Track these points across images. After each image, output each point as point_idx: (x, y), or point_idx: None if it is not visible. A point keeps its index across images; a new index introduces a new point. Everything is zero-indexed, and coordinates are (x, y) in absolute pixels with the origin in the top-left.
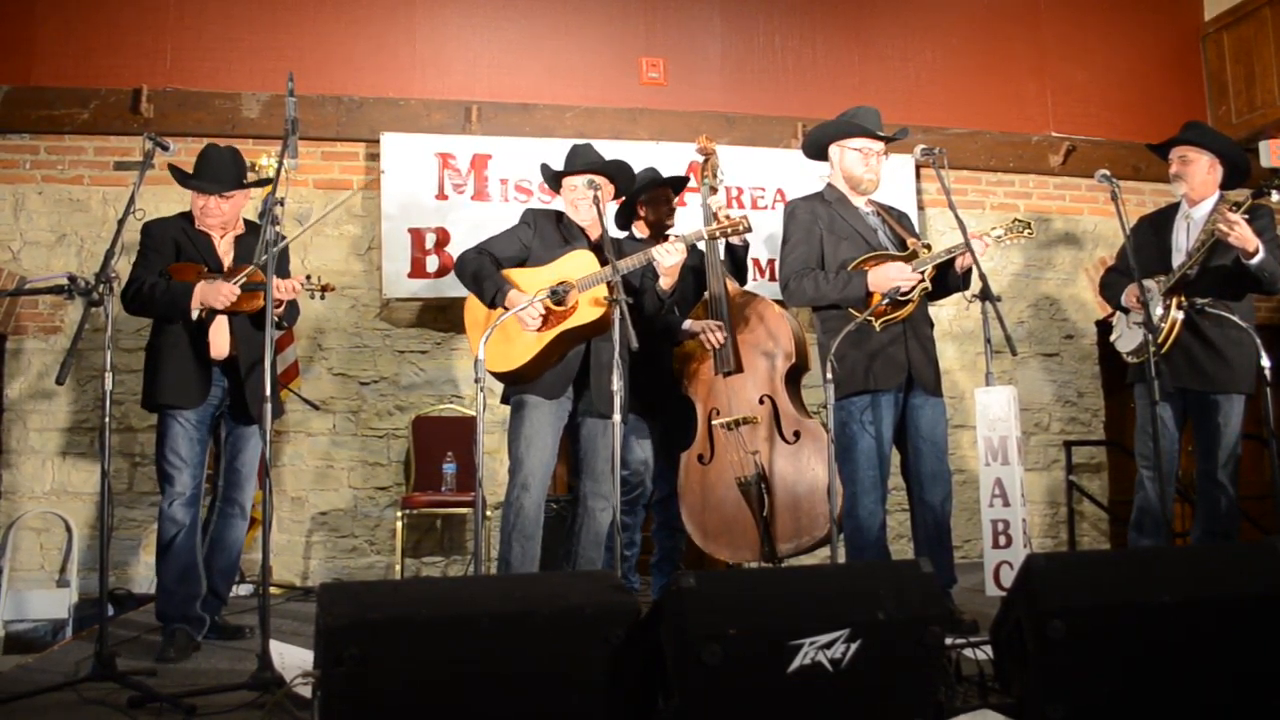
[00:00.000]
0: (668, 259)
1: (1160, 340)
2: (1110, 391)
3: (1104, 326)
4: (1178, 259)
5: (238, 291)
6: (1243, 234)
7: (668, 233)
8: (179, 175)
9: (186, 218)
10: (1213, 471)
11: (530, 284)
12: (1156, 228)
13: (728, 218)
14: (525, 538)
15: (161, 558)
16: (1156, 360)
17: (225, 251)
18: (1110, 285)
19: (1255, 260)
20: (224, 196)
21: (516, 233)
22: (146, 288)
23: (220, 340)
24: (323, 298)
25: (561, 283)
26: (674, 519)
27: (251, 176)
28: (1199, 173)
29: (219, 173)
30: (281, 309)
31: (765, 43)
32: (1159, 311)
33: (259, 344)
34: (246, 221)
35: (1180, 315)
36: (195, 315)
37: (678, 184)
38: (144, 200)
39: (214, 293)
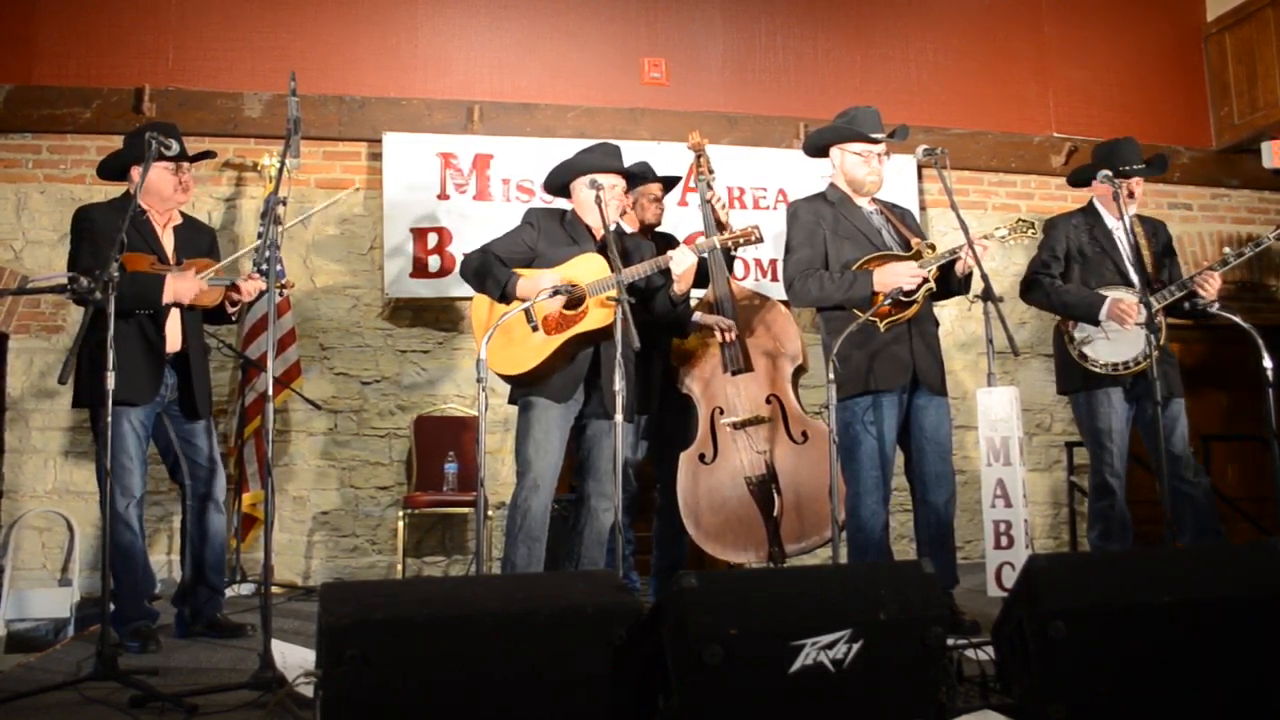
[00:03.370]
0: (680, 265)
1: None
2: None
3: None
4: (1135, 274)
5: (205, 286)
6: (1215, 289)
7: (672, 238)
8: (167, 153)
9: (124, 205)
10: (1184, 471)
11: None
12: (1093, 237)
13: (742, 229)
14: (531, 540)
15: (126, 566)
16: (1139, 371)
17: (168, 242)
18: (1060, 292)
19: (1215, 308)
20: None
21: (520, 234)
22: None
23: (174, 335)
24: (282, 295)
25: (572, 285)
26: (680, 524)
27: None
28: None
29: (181, 143)
30: (238, 309)
31: (767, 43)
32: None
33: (204, 338)
34: (181, 213)
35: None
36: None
37: (669, 182)
38: None
39: (186, 287)
